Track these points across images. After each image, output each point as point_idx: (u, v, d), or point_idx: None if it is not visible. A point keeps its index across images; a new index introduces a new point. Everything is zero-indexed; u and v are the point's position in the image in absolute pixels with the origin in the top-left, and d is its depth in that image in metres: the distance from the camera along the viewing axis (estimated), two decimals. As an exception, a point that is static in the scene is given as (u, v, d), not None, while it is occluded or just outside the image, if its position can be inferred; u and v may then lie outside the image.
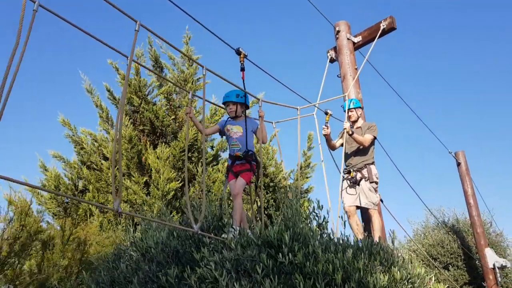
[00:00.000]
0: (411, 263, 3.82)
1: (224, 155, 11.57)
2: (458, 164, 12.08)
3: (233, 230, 3.88)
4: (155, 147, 10.37)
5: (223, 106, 4.87)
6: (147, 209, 8.67)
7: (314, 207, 4.61)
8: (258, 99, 4.74)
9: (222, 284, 3.17)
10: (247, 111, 4.70)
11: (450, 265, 12.42)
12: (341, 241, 3.80)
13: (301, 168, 10.94)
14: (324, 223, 4.47)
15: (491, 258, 10.60)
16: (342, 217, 4.54)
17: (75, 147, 10.59)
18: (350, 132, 5.68)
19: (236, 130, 4.62)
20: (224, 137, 4.89)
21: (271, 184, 10.14)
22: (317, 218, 4.52)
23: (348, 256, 3.28)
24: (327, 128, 5.82)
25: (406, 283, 3.40)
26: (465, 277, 11.98)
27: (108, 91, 10.85)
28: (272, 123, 5.83)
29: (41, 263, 5.39)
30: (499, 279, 10.41)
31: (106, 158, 10.33)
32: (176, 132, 10.88)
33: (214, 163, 10.75)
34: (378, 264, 3.48)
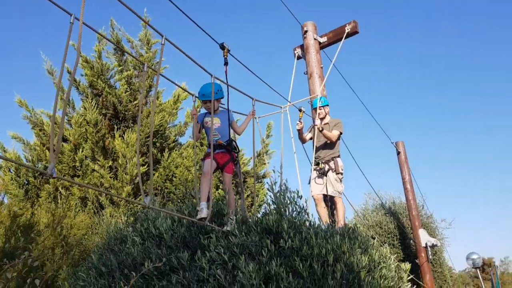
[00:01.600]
0: (381, 245, 4.57)
1: (181, 140, 11.91)
2: (398, 153, 13.27)
3: (231, 220, 4.38)
4: (116, 131, 10.49)
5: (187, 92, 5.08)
6: (114, 192, 8.90)
7: (294, 196, 5.18)
8: (252, 98, 5.15)
9: (234, 266, 3.70)
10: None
11: (386, 244, 13.69)
12: (324, 228, 4.45)
13: (259, 155, 11.56)
14: (302, 211, 5.08)
15: (424, 238, 11.90)
16: (330, 206, 5.17)
17: (33, 128, 10.47)
18: (321, 129, 6.34)
19: (215, 121, 4.78)
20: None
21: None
22: (296, 206, 5.11)
23: (336, 241, 3.93)
24: (301, 124, 6.43)
25: (381, 263, 4.13)
26: (400, 255, 13.31)
27: (69, 73, 10.76)
28: (256, 118, 6.33)
29: (27, 245, 5.58)
30: (430, 256, 11.76)
31: (65, 140, 10.32)
32: (136, 117, 11.05)
33: (177, 147, 11.08)
34: (357, 247, 4.16)
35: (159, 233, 4.28)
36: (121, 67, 11.02)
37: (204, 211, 4.03)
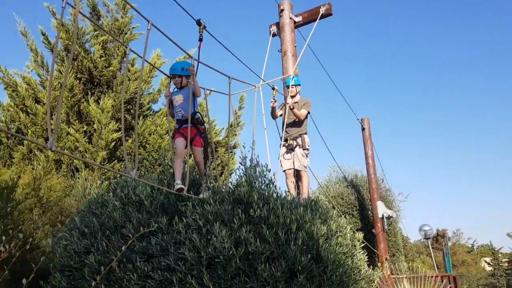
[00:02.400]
0: (339, 216, 5.12)
1: (154, 107, 12.14)
2: (363, 129, 13.93)
3: (206, 188, 4.79)
4: (91, 96, 10.60)
5: (166, 73, 5.08)
6: (89, 156, 9.14)
7: (263, 170, 5.62)
8: (229, 77, 5.44)
9: (208, 231, 4.16)
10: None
11: (346, 214, 14.52)
12: (289, 200, 4.94)
13: (231, 126, 11.94)
14: (270, 184, 5.54)
15: (381, 209, 12.74)
16: (293, 182, 5.66)
17: (6, 89, 10.45)
18: (292, 107, 6.77)
19: (178, 99, 4.79)
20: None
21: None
22: (265, 179, 5.56)
23: (300, 212, 4.43)
24: (275, 101, 6.86)
25: (338, 232, 4.68)
26: (358, 224, 14.19)
27: (43, 35, 10.71)
28: (229, 95, 6.66)
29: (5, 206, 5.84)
30: (386, 226, 12.64)
31: (39, 102, 10.38)
32: (110, 81, 11.17)
33: (151, 113, 11.32)
34: (318, 218, 4.69)
35: (139, 199, 4.67)
36: (97, 32, 11.01)
37: (180, 185, 4.29)
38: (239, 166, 5.20)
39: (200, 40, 4.78)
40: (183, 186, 4.29)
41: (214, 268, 4.04)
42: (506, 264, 39.27)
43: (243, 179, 4.96)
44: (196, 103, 4.93)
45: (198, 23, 4.77)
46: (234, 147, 12.14)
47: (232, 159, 12.28)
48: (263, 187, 5.14)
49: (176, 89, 4.91)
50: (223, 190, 4.79)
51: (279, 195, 5.10)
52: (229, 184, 5.44)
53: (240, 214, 4.28)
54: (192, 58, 4.58)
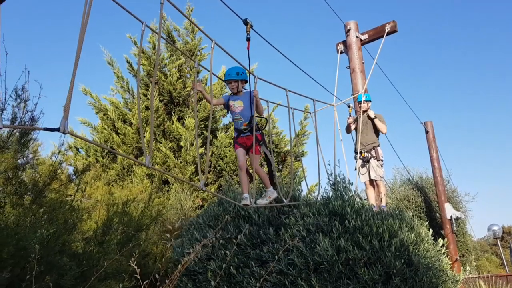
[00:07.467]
0: (421, 224, 5.68)
1: (224, 120, 13.03)
2: (427, 133, 14.17)
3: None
4: (171, 115, 11.64)
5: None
6: (178, 171, 10.15)
7: (346, 184, 6.25)
8: (313, 100, 6.10)
9: (311, 240, 4.88)
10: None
11: (414, 216, 14.79)
12: (374, 210, 5.56)
13: (297, 136, 12.65)
14: (354, 194, 6.17)
15: (449, 211, 12.95)
16: (374, 191, 6.29)
17: (97, 113, 11.69)
18: (374, 117, 7.39)
19: (238, 105, 4.75)
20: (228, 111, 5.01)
21: (275, 149, 11.83)
22: (349, 192, 6.18)
23: (390, 221, 5.05)
24: (351, 117, 7.52)
25: (426, 237, 5.26)
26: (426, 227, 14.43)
27: (128, 62, 11.89)
28: (310, 113, 7.36)
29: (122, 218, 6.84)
30: (454, 228, 12.85)
31: (129, 123, 11.52)
32: (186, 100, 12.19)
33: (224, 129, 12.23)
34: (405, 226, 5.27)
35: (248, 214, 5.47)
36: (173, 57, 12.08)
37: (247, 200, 4.56)
38: (329, 181, 5.89)
39: (248, 39, 4.55)
40: (247, 203, 4.53)
41: (320, 272, 4.75)
42: None
43: (333, 194, 5.65)
44: (253, 109, 4.77)
45: (245, 22, 4.54)
46: (302, 155, 12.82)
47: (300, 166, 12.97)
48: (351, 200, 5.80)
49: (232, 94, 4.87)
50: (313, 197, 5.49)
51: (367, 207, 5.73)
52: (318, 196, 6.11)
53: (337, 225, 4.97)
54: (255, 77, 4.62)
